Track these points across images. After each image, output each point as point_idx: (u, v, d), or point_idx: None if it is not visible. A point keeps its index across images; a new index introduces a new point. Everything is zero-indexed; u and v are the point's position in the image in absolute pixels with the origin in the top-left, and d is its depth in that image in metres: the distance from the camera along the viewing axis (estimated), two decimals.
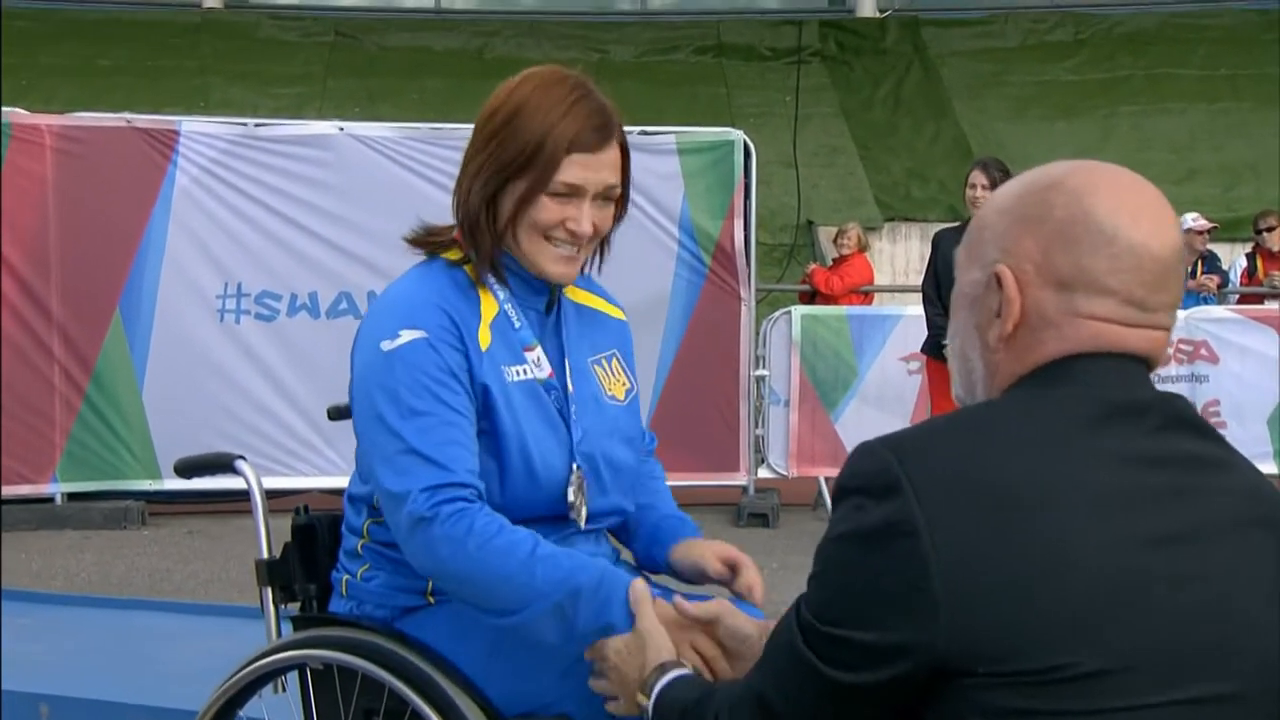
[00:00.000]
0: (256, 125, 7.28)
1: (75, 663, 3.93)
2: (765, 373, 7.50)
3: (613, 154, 1.91)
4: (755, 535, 6.93)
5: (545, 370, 1.96)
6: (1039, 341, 1.28)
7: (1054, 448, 1.21)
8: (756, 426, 7.46)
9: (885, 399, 7.47)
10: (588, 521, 1.95)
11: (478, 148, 1.93)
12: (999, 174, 6.25)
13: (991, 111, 16.24)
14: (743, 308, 7.34)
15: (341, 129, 7.30)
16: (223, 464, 2.12)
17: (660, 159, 7.29)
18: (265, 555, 2.03)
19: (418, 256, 2.02)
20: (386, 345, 1.86)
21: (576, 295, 2.09)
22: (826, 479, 7.54)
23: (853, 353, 7.55)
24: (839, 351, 7.56)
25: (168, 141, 7.04)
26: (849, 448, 6.99)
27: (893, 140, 15.85)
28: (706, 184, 7.32)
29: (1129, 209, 1.28)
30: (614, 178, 1.92)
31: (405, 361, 1.84)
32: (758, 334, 7.55)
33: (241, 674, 1.94)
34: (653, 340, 7.25)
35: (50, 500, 6.98)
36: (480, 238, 1.92)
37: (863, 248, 9.73)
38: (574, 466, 1.93)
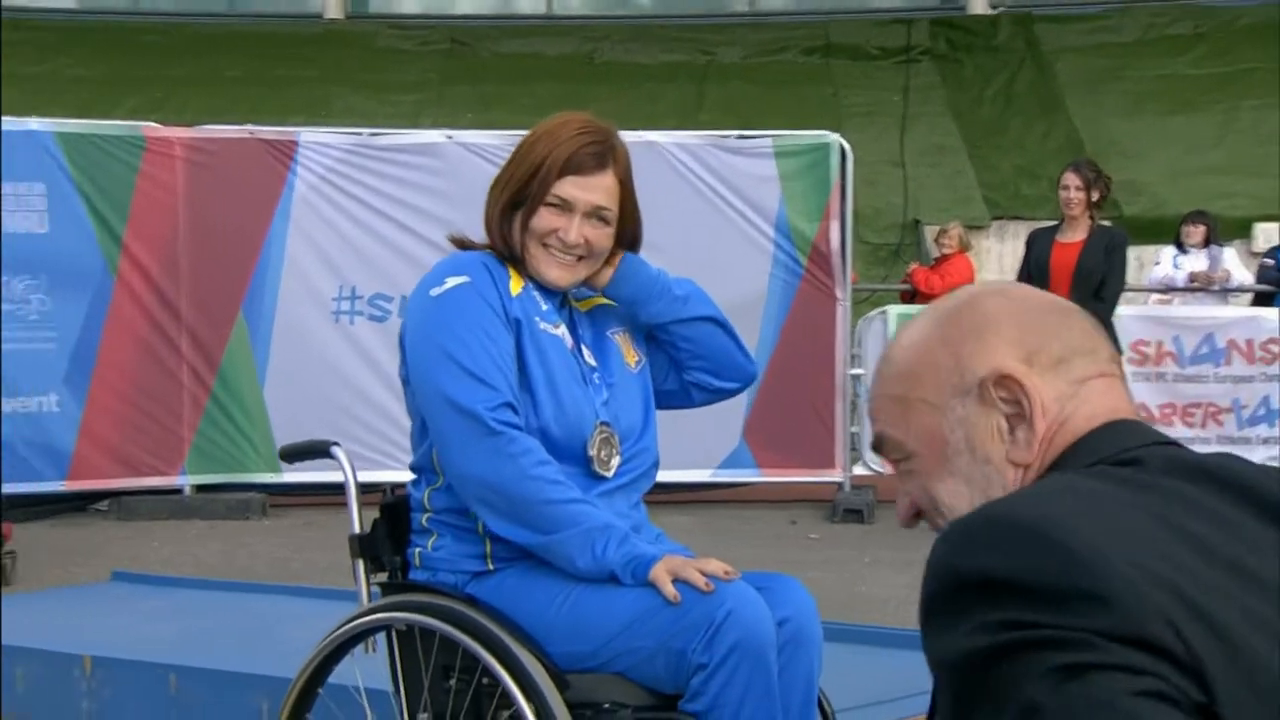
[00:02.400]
0: (370, 135, 7.62)
1: (201, 639, 4.22)
2: (861, 371, 7.62)
3: (608, 180, 2.24)
4: (850, 531, 7.07)
5: (569, 343, 2.25)
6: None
7: None
8: (852, 424, 7.58)
9: None
10: (620, 469, 2.22)
11: (502, 173, 2.28)
12: (1091, 174, 6.31)
13: (1107, 108, 16.04)
14: (838, 307, 7.48)
15: (450, 137, 7.61)
16: (321, 450, 2.38)
17: (757, 162, 7.45)
18: (357, 531, 2.29)
19: None
20: (435, 291, 2.19)
21: (582, 305, 2.38)
22: None
23: None
24: None
25: (288, 151, 7.41)
26: None
27: (1002, 139, 15.76)
28: (803, 186, 7.46)
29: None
30: (606, 201, 2.23)
31: (454, 301, 2.17)
32: (853, 333, 7.67)
33: (337, 634, 2.20)
34: (748, 339, 7.36)
35: (179, 492, 7.40)
36: (508, 244, 2.25)
37: (964, 247, 9.77)
38: (598, 423, 2.20)
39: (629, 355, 2.34)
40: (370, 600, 2.26)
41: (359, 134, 7.66)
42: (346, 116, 14.41)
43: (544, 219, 2.20)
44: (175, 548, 6.62)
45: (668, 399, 2.41)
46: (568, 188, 2.20)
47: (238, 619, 4.57)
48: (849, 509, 7.28)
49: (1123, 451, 1.09)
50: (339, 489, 7.52)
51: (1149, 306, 9.01)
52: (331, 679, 2.28)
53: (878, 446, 1.24)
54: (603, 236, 2.25)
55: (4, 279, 7.11)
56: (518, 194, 2.22)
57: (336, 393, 7.38)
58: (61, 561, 6.26)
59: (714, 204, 7.42)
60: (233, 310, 7.35)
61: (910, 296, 9.47)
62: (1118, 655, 0.91)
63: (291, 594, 5.06)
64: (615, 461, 2.21)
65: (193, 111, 13.75)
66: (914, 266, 10.02)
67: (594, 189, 2.22)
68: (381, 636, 2.21)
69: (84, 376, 7.20)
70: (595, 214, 2.23)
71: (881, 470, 7.66)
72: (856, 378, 7.61)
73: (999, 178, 15.09)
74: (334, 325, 7.43)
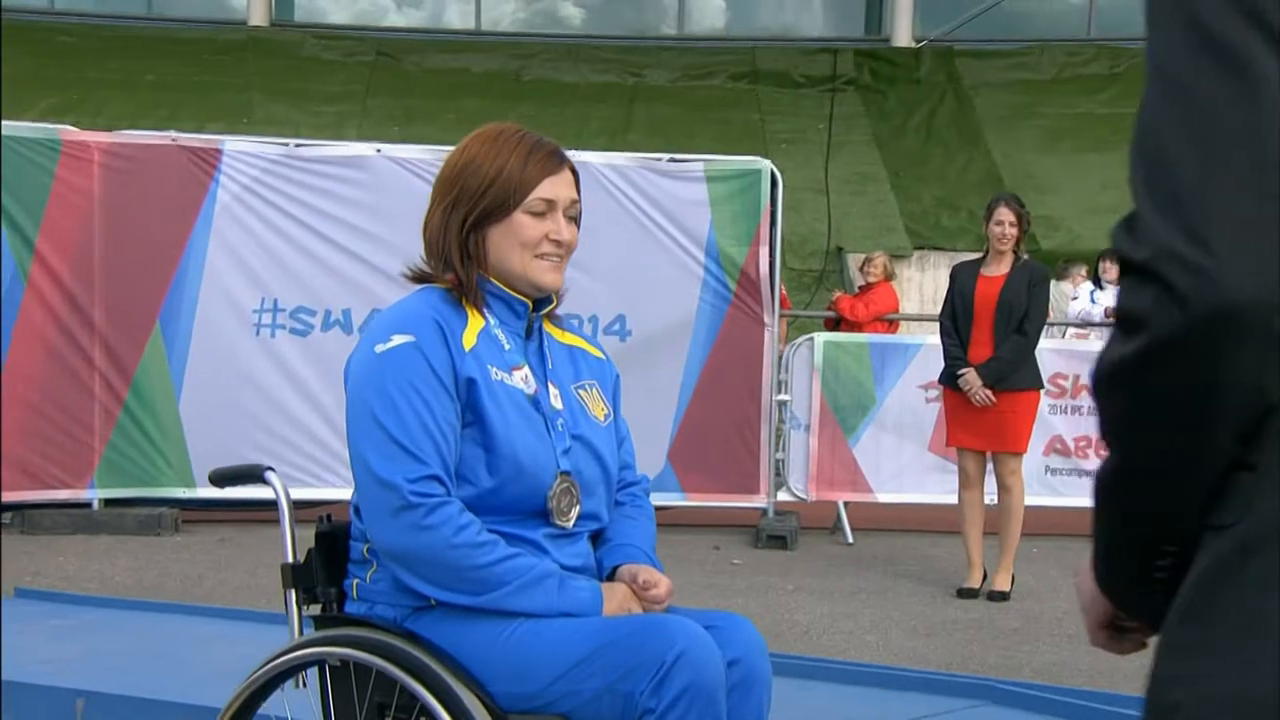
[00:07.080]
0: (296, 145, 7.47)
1: (109, 661, 4.08)
2: (787, 397, 7.62)
3: (569, 175, 2.21)
4: (773, 557, 7.05)
5: (532, 387, 2.17)
6: None
7: None
8: (777, 450, 7.57)
9: (903, 426, 7.58)
10: (579, 521, 2.16)
11: (441, 195, 2.18)
12: (1020, 209, 6.35)
13: (1024, 143, 16.32)
14: (766, 333, 7.47)
15: (378, 150, 7.49)
16: (254, 475, 2.28)
17: (688, 186, 7.43)
18: (290, 559, 2.19)
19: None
20: (379, 348, 2.08)
21: (562, 336, 2.31)
22: (845, 503, 7.66)
23: (872, 379, 7.66)
24: (859, 378, 7.68)
25: (211, 160, 7.25)
26: (866, 473, 7.15)
27: (924, 169, 15.96)
28: (733, 211, 7.45)
29: None
30: (575, 194, 2.21)
31: (394, 362, 2.06)
32: (780, 360, 7.66)
33: (266, 668, 2.09)
34: (676, 363, 7.40)
35: (87, 505, 7.18)
36: (463, 267, 2.15)
37: (888, 276, 9.84)
38: (559, 473, 2.13)
39: (597, 409, 2.28)
40: (302, 633, 2.16)
41: (285, 144, 7.50)
42: (268, 125, 14.22)
43: (532, 228, 2.15)
44: (81, 563, 6.42)
45: None
46: (548, 188, 2.17)
47: (147, 641, 4.42)
48: (772, 535, 7.26)
49: None
50: (254, 505, 7.33)
51: (1067, 341, 9.13)
52: (260, 711, 2.18)
53: None
54: (576, 232, 2.23)
55: None
56: (484, 209, 2.14)
57: (255, 407, 7.22)
58: None
59: (645, 226, 7.39)
60: (149, 320, 7.16)
61: (835, 324, 9.51)
62: None
63: (204, 615, 4.92)
64: (575, 512, 2.15)
65: (109, 115, 13.48)
66: (839, 294, 10.07)
67: (567, 184, 2.21)
68: (313, 672, 2.12)
69: None
70: (570, 210, 2.21)
71: (805, 497, 7.67)
72: (783, 404, 7.61)
73: (920, 208, 15.26)
74: (254, 338, 7.27)
